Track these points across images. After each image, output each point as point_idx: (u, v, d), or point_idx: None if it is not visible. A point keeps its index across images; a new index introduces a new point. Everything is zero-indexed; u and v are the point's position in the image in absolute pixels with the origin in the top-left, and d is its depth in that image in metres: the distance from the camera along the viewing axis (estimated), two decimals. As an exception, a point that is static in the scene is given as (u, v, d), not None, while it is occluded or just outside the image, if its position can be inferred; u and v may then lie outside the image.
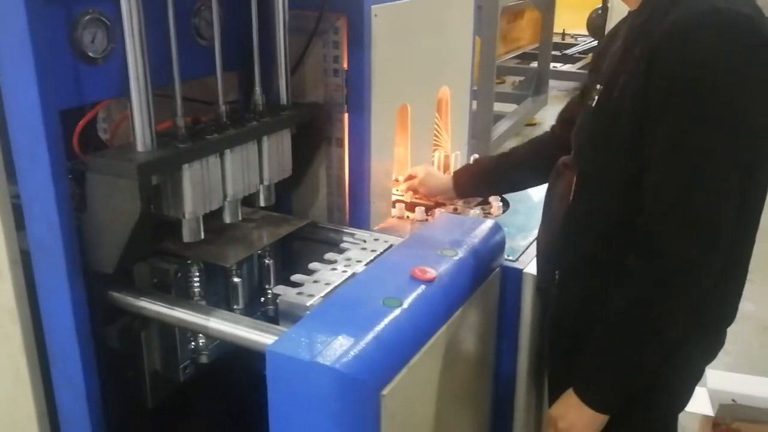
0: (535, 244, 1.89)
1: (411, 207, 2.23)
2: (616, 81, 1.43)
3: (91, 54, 1.50)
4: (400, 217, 2.19)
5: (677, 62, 1.29)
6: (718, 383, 2.90)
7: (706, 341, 1.59)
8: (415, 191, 2.27)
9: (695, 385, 1.65)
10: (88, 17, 1.47)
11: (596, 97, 1.52)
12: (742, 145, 1.32)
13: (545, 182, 2.12)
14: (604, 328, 1.47)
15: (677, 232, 1.35)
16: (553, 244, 1.67)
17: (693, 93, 1.29)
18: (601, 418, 1.49)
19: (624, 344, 1.45)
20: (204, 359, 1.81)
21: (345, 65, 1.94)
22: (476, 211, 2.21)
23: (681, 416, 1.68)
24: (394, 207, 2.21)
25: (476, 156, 2.54)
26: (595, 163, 1.52)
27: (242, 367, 1.76)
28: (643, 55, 1.34)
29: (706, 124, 1.29)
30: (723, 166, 1.32)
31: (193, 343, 1.80)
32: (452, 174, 2.22)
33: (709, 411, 2.83)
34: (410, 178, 2.27)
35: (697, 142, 1.31)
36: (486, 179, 2.17)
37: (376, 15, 1.90)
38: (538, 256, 1.81)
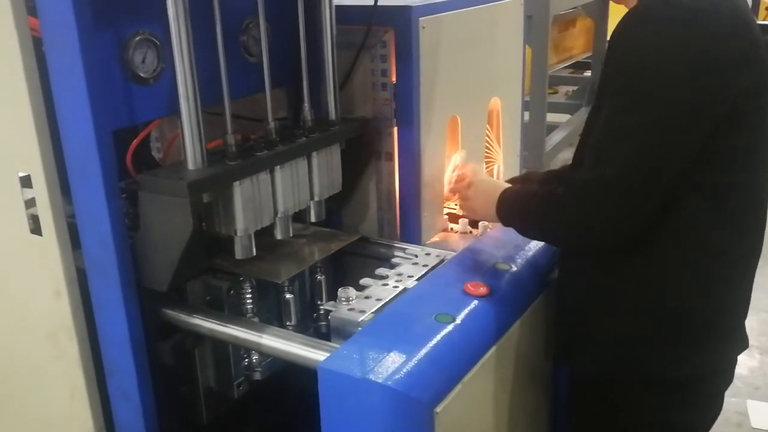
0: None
1: (454, 219, 2.19)
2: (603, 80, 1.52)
3: (141, 74, 1.52)
4: (444, 230, 2.16)
5: (621, 53, 1.41)
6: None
7: (722, 328, 1.56)
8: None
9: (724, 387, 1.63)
10: (138, 38, 1.50)
11: None
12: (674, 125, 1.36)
13: None
14: (542, 195, 1.55)
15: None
16: None
17: (631, 76, 1.38)
18: (493, 214, 1.68)
19: (533, 214, 1.56)
20: (258, 376, 1.81)
21: (393, 79, 1.93)
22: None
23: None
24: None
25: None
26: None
27: (296, 384, 1.75)
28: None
29: (641, 103, 1.36)
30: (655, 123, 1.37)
31: (246, 360, 1.80)
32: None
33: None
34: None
35: (629, 112, 1.38)
36: None
37: (423, 27, 1.89)
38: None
